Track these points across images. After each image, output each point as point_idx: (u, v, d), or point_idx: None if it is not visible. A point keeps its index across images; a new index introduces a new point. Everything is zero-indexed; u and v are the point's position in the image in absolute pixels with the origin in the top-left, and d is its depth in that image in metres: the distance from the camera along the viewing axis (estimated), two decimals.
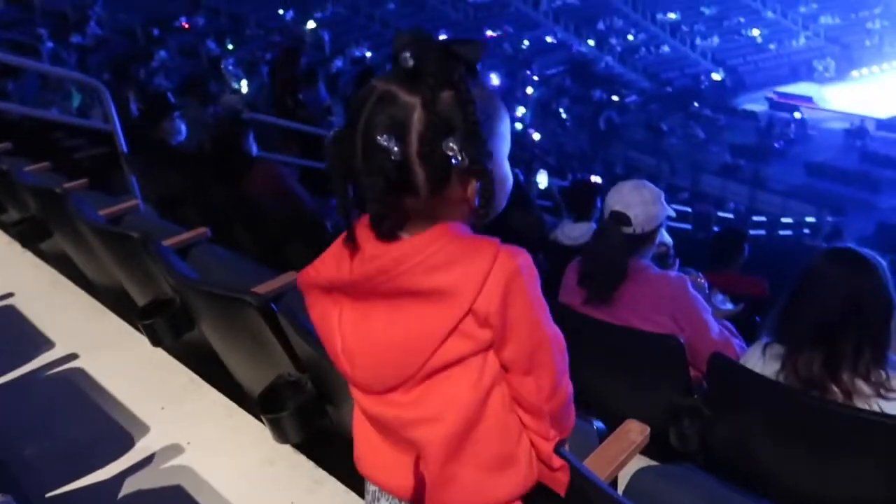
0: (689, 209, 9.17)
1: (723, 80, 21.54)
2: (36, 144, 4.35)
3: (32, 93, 6.05)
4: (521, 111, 17.79)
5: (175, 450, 1.75)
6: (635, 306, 1.92)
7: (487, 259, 0.84)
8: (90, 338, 2.27)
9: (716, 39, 23.43)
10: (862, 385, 1.43)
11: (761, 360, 1.58)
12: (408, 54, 0.81)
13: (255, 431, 1.78)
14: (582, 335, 1.79)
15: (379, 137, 0.81)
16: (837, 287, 1.47)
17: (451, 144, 0.81)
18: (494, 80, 18.02)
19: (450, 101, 0.82)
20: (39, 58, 7.53)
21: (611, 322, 1.84)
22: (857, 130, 17.51)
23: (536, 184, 7.94)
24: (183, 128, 3.99)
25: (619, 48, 22.36)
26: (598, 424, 1.28)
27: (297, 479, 1.63)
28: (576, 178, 9.28)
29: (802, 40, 24.06)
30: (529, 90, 18.94)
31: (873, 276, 1.48)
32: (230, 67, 11.25)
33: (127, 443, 1.78)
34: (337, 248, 0.91)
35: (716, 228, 7.34)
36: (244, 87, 10.15)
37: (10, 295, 2.57)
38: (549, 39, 22.05)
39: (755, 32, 23.99)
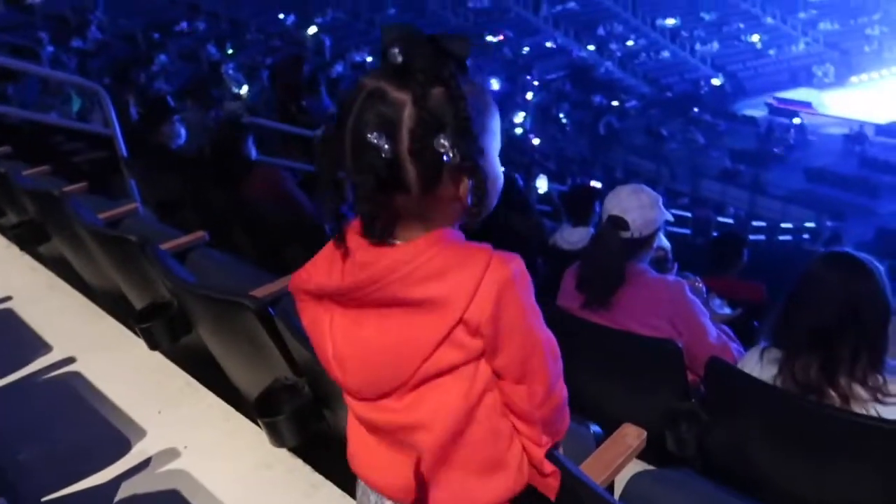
0: (689, 214, 9.17)
1: (722, 86, 21.59)
2: (36, 148, 4.37)
3: (33, 97, 6.07)
4: (521, 116, 17.82)
5: (172, 453, 1.75)
6: (633, 310, 1.92)
7: (479, 267, 0.82)
8: (87, 341, 2.27)
9: (715, 45, 23.49)
10: (859, 390, 1.43)
11: (759, 365, 1.58)
12: (396, 50, 0.80)
13: (252, 435, 1.77)
14: (580, 339, 1.80)
15: (369, 135, 0.79)
16: (835, 291, 1.47)
17: (442, 141, 0.80)
18: (495, 84, 18.06)
19: (440, 97, 0.80)
20: (40, 62, 7.54)
21: (609, 326, 1.84)
22: (857, 136, 17.54)
23: (536, 189, 7.95)
24: (183, 132, 3.99)
25: (619, 53, 22.42)
26: (594, 429, 1.28)
27: (294, 483, 1.63)
28: (575, 183, 9.28)
29: (802, 46, 24.12)
30: (529, 95, 18.98)
31: (871, 281, 1.48)
32: (230, 72, 11.28)
33: (123, 446, 1.78)
34: (329, 250, 0.89)
35: (715, 233, 7.34)
36: (244, 91, 10.17)
37: (8, 298, 2.57)
38: (549, 45, 22.11)
39: (755, 38, 24.05)
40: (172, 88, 8.21)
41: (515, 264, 0.84)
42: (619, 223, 1.96)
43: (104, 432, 1.84)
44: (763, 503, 1.28)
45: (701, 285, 2.29)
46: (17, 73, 5.61)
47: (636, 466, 1.35)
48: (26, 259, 2.93)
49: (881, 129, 17.81)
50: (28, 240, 2.83)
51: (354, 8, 20.94)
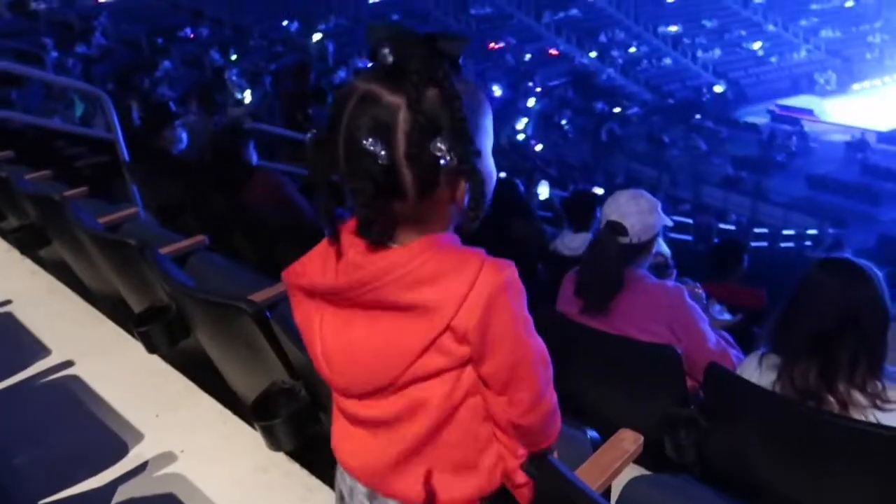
0: (691, 221, 9.17)
1: (724, 93, 21.62)
2: (38, 153, 4.38)
3: (36, 102, 6.10)
4: (523, 122, 17.85)
5: (169, 457, 1.75)
6: (632, 316, 1.91)
7: (470, 274, 0.81)
8: (86, 344, 2.27)
9: (717, 52, 23.53)
10: (858, 396, 1.42)
11: (758, 371, 1.57)
12: (387, 50, 0.78)
13: (249, 439, 1.77)
14: (578, 345, 1.79)
15: (364, 141, 0.77)
16: (834, 297, 1.47)
17: (439, 145, 0.78)
18: (497, 91, 18.11)
19: (435, 99, 0.78)
20: (44, 67, 7.58)
21: (607, 332, 1.83)
22: (859, 143, 17.53)
23: (537, 195, 7.94)
24: (184, 136, 4.01)
25: (620, 60, 22.45)
26: (591, 434, 1.28)
27: (291, 487, 1.62)
28: (576, 189, 9.28)
29: (803, 53, 24.15)
30: (531, 101, 19.01)
31: (870, 287, 1.47)
32: (234, 78, 11.31)
33: (121, 450, 1.78)
34: (324, 247, 0.89)
35: (717, 240, 7.33)
36: (247, 97, 10.21)
37: (8, 302, 2.57)
38: (552, 52, 22.17)
39: (756, 45, 24.09)
40: (176, 94, 8.25)
41: (509, 272, 0.82)
42: (617, 229, 1.96)
43: (102, 436, 1.84)
44: None
45: (700, 291, 2.28)
46: (21, 79, 5.64)
47: (634, 472, 1.35)
48: (27, 263, 2.93)
49: (883, 137, 17.80)
50: (29, 244, 2.84)
51: (357, 14, 21.02)
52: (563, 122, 18.59)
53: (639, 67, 22.41)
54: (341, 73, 11.74)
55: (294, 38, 18.42)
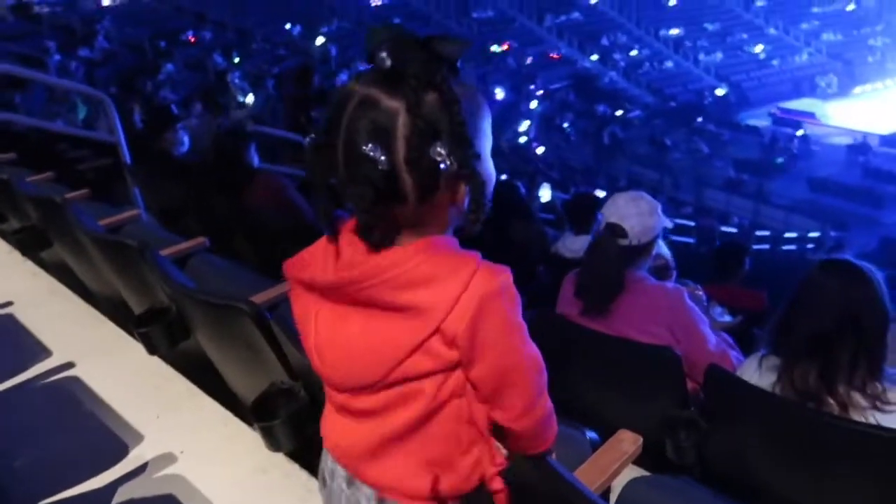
0: (693, 223, 9.16)
1: (726, 96, 21.64)
2: (41, 155, 4.39)
3: (39, 105, 6.12)
4: (524, 125, 17.86)
5: (169, 458, 1.75)
6: (632, 317, 1.91)
7: (464, 277, 0.81)
8: (87, 346, 2.28)
9: (719, 55, 23.56)
10: (858, 397, 1.42)
11: (758, 372, 1.57)
12: (385, 54, 0.78)
13: (249, 440, 1.77)
14: (578, 346, 1.79)
15: (363, 146, 0.77)
16: (834, 298, 1.47)
17: (438, 149, 0.78)
18: (499, 94, 18.13)
19: (434, 103, 0.78)
20: (46, 70, 7.61)
21: (607, 333, 1.83)
22: (860, 146, 17.54)
23: (539, 197, 7.94)
24: (186, 139, 4.02)
25: (622, 63, 22.49)
26: (591, 435, 1.28)
27: (290, 488, 1.62)
28: (577, 192, 9.28)
29: (805, 57, 24.18)
30: (533, 104, 19.04)
31: (870, 288, 1.47)
32: (236, 81, 11.35)
33: (121, 451, 1.78)
34: (326, 242, 0.89)
35: (718, 242, 7.32)
36: (250, 100, 10.23)
37: (10, 303, 2.58)
38: (553, 55, 22.20)
39: (758, 48, 24.12)
40: (179, 97, 8.28)
41: (503, 277, 0.82)
42: (617, 230, 1.96)
43: (102, 437, 1.84)
44: None
45: (700, 293, 2.28)
46: (25, 82, 5.66)
47: (634, 473, 1.35)
48: (28, 264, 2.94)
49: (885, 140, 17.81)
50: (30, 245, 2.84)
51: (359, 18, 21.07)
52: (565, 125, 18.61)
53: (641, 70, 22.44)
54: (344, 77, 11.77)
55: (297, 42, 18.47)
